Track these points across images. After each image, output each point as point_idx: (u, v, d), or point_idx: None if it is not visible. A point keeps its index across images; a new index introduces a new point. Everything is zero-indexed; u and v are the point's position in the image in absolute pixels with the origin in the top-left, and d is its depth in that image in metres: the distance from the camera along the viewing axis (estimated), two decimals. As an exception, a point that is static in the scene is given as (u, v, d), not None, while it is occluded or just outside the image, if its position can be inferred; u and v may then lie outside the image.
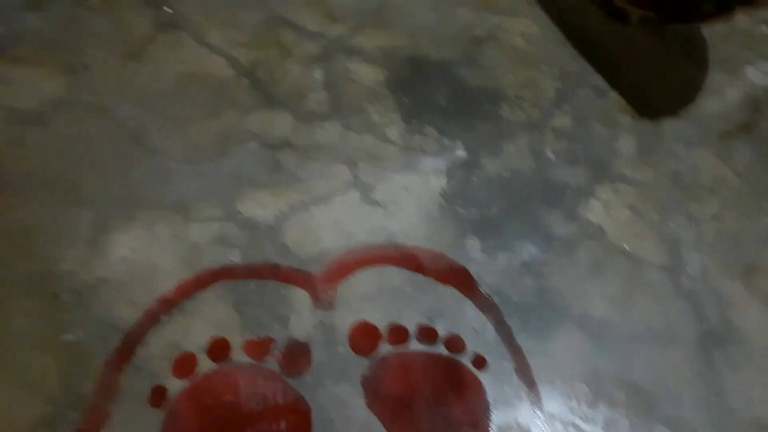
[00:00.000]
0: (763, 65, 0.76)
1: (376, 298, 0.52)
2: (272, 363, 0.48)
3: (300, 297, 0.51)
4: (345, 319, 0.50)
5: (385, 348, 0.50)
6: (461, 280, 0.54)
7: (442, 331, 0.52)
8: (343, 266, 0.52)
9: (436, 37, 0.68)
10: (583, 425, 0.50)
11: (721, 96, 0.73)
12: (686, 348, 0.55)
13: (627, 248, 0.59)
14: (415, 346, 0.50)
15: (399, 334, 0.51)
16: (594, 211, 0.61)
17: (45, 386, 0.45)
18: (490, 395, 0.50)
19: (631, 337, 0.55)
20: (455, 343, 0.51)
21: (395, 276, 0.53)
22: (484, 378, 0.51)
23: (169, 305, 0.48)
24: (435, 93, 0.65)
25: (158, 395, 0.45)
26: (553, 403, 0.51)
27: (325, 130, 0.60)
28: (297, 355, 0.48)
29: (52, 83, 0.57)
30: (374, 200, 0.57)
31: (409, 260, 0.54)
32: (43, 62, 0.57)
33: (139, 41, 0.60)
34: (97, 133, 0.56)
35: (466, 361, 0.51)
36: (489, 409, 0.49)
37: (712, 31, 0.75)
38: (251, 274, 0.51)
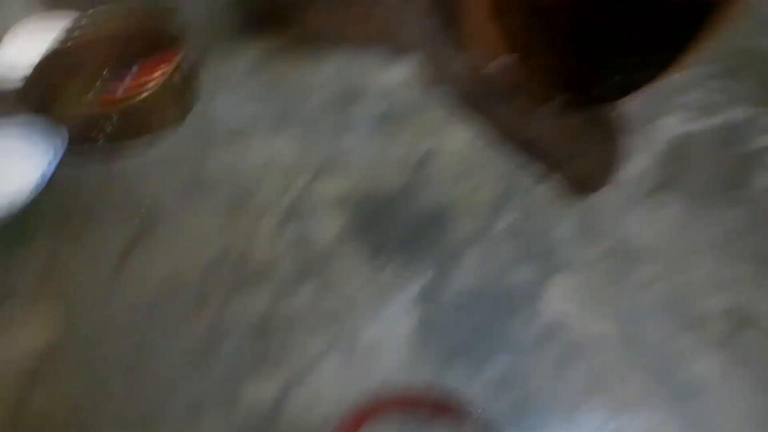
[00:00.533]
0: (671, 118, 0.83)
1: (382, 451, 0.57)
2: None
3: (314, 472, 0.56)
4: (358, 482, 0.56)
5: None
6: (455, 408, 0.60)
7: (446, 465, 0.57)
8: (347, 429, 0.58)
9: (380, 171, 0.74)
10: None
11: (641, 155, 0.79)
12: (662, 413, 0.60)
13: (589, 331, 0.65)
14: (423, 487, 0.56)
15: (408, 480, 0.56)
16: (552, 303, 0.66)
17: None
18: None
19: (609, 418, 0.60)
20: (461, 475, 0.57)
21: (396, 421, 0.59)
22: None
23: None
24: (389, 226, 0.71)
25: None
26: None
27: (299, 296, 0.66)
28: None
29: (47, 328, 0.61)
30: (359, 350, 0.63)
31: (404, 403, 0.60)
32: (36, 307, 0.62)
33: (117, 258, 0.65)
34: (98, 365, 0.60)
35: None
36: None
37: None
38: (267, 464, 0.56)
